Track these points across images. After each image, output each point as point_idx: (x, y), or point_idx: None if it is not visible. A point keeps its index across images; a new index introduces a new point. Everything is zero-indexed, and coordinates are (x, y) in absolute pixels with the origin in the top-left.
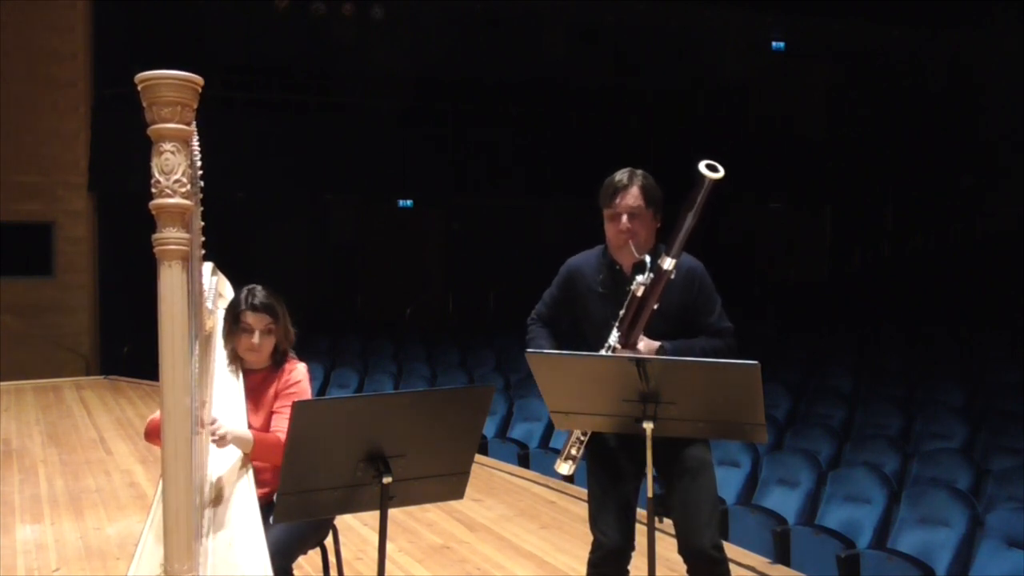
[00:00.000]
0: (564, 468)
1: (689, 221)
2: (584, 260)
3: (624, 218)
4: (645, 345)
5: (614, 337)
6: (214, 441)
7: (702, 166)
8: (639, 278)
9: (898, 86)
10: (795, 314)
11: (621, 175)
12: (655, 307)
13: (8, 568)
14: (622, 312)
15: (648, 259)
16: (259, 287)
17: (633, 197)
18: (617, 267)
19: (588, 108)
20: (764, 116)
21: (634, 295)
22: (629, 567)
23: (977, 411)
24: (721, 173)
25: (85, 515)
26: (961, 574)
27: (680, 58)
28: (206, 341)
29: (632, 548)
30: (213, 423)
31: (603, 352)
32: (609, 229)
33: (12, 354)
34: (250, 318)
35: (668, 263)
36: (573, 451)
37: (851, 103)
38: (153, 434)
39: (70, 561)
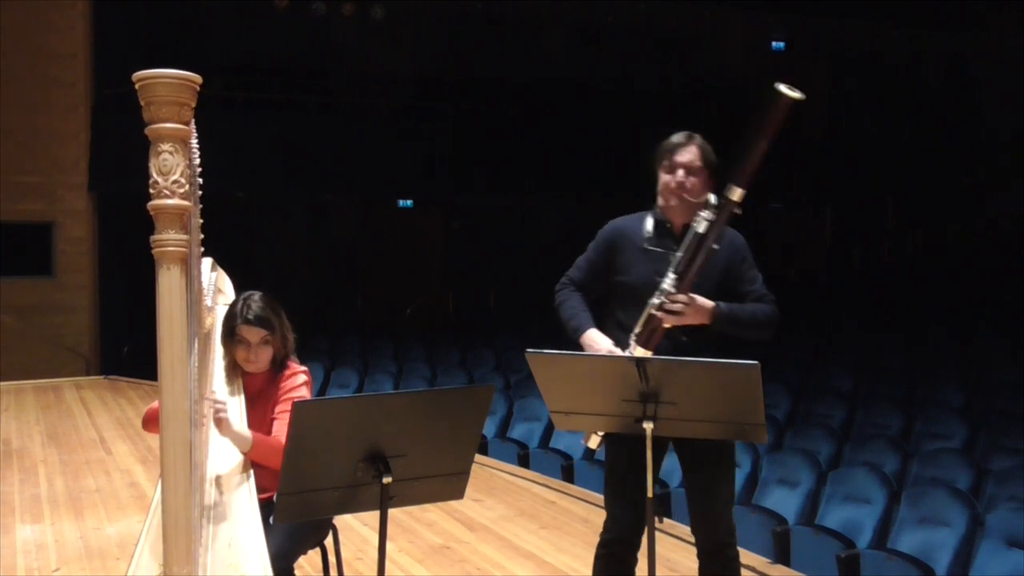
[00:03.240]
0: (593, 442)
1: (760, 146)
2: (628, 221)
3: (680, 172)
4: (700, 300)
5: (669, 281)
6: (215, 420)
7: (782, 85)
8: (703, 213)
9: (898, 86)
10: (795, 314)
11: (679, 135)
12: (713, 248)
13: (8, 568)
14: (679, 254)
15: (712, 197)
16: (256, 296)
17: (691, 153)
18: (667, 224)
19: (588, 108)
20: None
21: (695, 232)
22: (639, 554)
23: (977, 411)
24: (800, 95)
25: (85, 515)
26: (961, 574)
27: (680, 58)
28: (205, 339)
29: (643, 531)
30: (217, 402)
31: (654, 300)
32: (664, 182)
33: (12, 354)
34: (245, 332)
35: (737, 193)
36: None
37: (851, 103)
38: (151, 421)
39: (70, 561)
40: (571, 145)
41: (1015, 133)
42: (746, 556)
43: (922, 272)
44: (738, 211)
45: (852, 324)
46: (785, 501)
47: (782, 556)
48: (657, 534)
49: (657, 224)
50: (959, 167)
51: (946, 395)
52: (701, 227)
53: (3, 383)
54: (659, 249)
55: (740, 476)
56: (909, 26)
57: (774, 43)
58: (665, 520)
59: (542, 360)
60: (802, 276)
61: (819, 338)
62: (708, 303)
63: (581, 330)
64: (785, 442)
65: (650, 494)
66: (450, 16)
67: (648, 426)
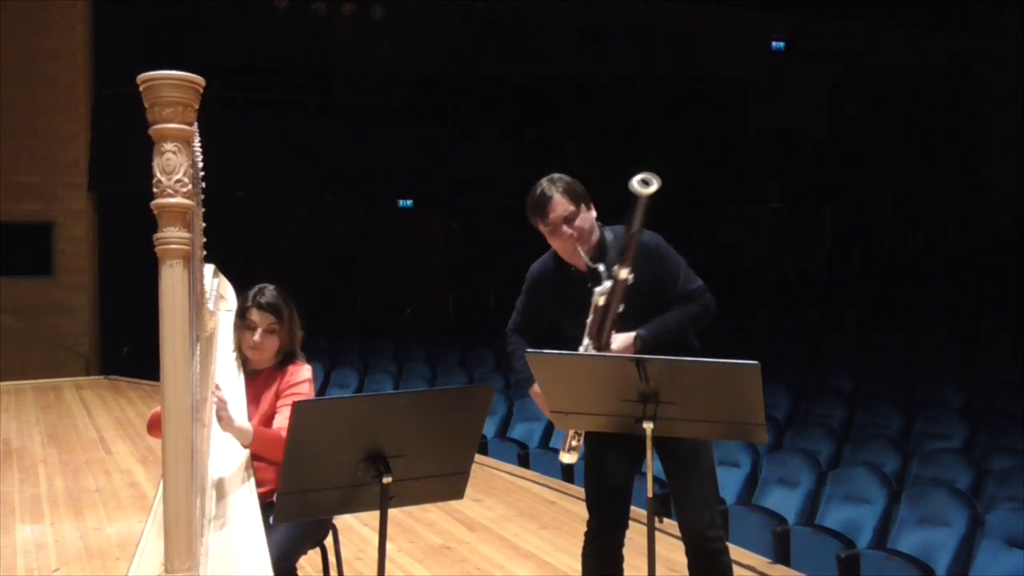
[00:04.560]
0: (567, 458)
1: (634, 237)
2: (543, 265)
3: (564, 228)
4: (619, 343)
5: (586, 344)
6: (217, 416)
7: (634, 182)
8: (598, 289)
9: (898, 86)
10: (795, 314)
11: (540, 189)
12: (620, 310)
13: (8, 568)
14: (588, 320)
15: (602, 268)
16: (270, 287)
17: (561, 206)
18: (571, 269)
19: (588, 108)
20: (764, 116)
21: (596, 305)
22: (624, 551)
23: (977, 411)
24: (655, 187)
25: (85, 515)
26: (961, 574)
27: (680, 58)
28: (207, 343)
29: (626, 526)
30: (221, 399)
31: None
32: (554, 243)
33: (12, 354)
34: (255, 315)
35: (623, 273)
36: (574, 443)
37: (851, 103)
38: (155, 427)
39: (70, 561)
40: (571, 145)
41: (1016, 133)
42: (746, 556)
43: (922, 272)
44: (630, 281)
45: (852, 324)
46: (785, 501)
47: (782, 556)
48: (657, 534)
49: (563, 271)
50: (959, 167)
51: (946, 395)
52: (601, 301)
53: (3, 383)
54: (573, 294)
55: (740, 476)
56: (909, 26)
57: (774, 43)
58: (665, 520)
59: (542, 360)
60: (802, 276)
61: (819, 338)
62: (628, 341)
63: (530, 382)
64: (785, 442)
65: (650, 494)
66: (450, 16)
67: (648, 426)
